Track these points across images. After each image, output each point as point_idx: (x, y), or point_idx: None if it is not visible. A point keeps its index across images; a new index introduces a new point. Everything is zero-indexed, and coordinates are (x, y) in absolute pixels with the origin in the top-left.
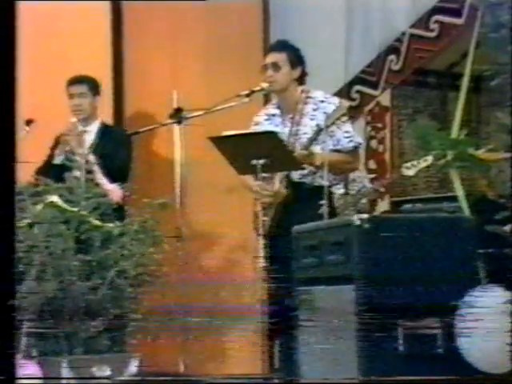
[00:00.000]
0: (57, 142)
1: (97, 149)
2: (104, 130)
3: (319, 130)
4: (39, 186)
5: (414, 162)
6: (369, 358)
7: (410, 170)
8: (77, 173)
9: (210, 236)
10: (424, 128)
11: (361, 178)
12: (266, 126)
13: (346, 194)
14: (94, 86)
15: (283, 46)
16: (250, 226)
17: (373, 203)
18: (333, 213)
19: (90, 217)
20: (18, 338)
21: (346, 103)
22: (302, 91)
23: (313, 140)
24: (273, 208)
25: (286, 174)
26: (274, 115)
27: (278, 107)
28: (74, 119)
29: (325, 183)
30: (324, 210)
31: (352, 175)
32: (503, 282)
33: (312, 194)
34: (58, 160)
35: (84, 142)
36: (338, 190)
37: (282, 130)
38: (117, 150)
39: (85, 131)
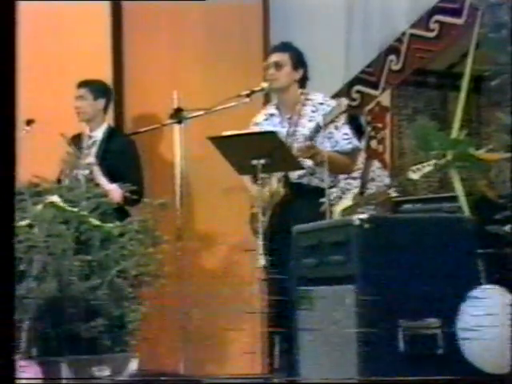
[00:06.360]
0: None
1: (102, 154)
2: (110, 135)
3: (318, 128)
4: (39, 186)
5: (419, 166)
6: (369, 358)
7: (415, 174)
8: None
9: (210, 236)
10: (424, 128)
11: (381, 177)
12: (265, 126)
13: (362, 193)
14: (95, 90)
15: (287, 47)
16: (248, 226)
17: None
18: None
19: (90, 217)
20: (17, 338)
21: (345, 101)
22: (302, 93)
23: (313, 137)
24: (270, 208)
25: (283, 174)
26: (272, 115)
27: (277, 108)
28: (69, 150)
29: (326, 180)
30: (325, 208)
31: (371, 174)
32: (503, 281)
33: (309, 195)
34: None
35: (78, 166)
36: (355, 189)
37: (280, 130)
38: (121, 157)
39: (89, 139)
